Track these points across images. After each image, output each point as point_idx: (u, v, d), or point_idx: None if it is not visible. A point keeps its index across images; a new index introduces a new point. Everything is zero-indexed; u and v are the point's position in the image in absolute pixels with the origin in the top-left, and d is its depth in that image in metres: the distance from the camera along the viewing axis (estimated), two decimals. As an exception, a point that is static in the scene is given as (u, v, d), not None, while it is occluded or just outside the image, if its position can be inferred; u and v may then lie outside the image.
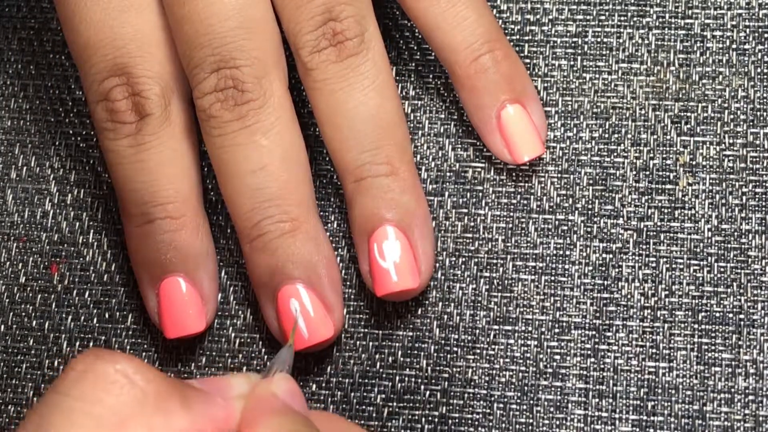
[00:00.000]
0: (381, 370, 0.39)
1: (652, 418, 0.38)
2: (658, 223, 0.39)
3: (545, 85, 0.41)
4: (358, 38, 0.38)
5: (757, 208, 0.39)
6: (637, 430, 0.37)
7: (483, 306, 0.39)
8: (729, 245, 0.39)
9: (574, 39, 0.42)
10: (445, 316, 0.39)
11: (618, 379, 0.38)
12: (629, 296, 0.39)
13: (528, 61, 0.42)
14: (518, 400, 0.38)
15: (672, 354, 0.38)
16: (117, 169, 0.39)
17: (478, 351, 0.39)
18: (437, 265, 0.40)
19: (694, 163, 0.40)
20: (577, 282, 0.39)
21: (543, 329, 0.39)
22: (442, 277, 0.40)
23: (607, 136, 0.41)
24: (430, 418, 0.38)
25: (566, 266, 0.39)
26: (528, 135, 0.39)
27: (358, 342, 0.39)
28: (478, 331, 0.39)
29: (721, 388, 0.38)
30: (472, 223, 0.40)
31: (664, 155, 0.40)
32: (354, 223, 0.38)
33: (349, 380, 0.39)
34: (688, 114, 0.41)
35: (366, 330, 0.40)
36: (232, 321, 0.40)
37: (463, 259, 0.40)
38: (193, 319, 0.39)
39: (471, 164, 0.41)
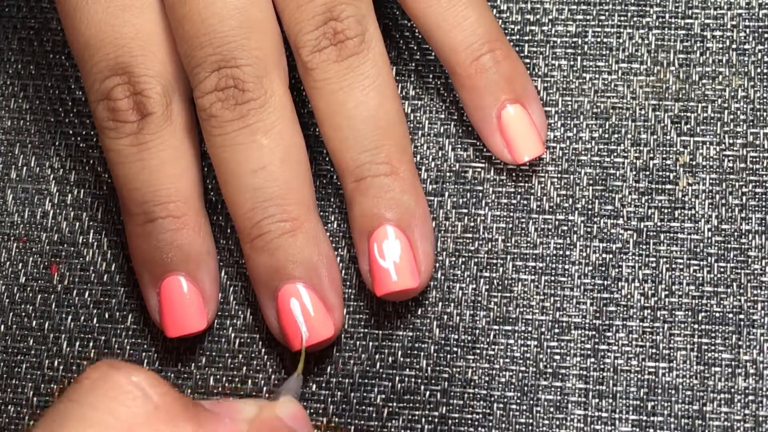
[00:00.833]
0: (381, 370, 0.39)
1: (652, 418, 0.38)
2: (658, 224, 0.39)
3: (545, 85, 0.41)
4: (359, 38, 0.38)
5: (757, 208, 0.39)
6: (637, 430, 0.37)
7: (483, 306, 0.39)
8: (729, 245, 0.39)
9: (574, 39, 0.42)
10: (445, 316, 0.39)
11: (618, 379, 0.38)
12: (629, 296, 0.39)
13: (528, 61, 0.42)
14: (518, 401, 0.38)
15: (672, 354, 0.38)
16: (118, 169, 0.39)
17: (478, 351, 0.39)
18: (437, 265, 0.40)
19: (694, 163, 0.40)
20: (577, 282, 0.39)
21: (543, 329, 0.39)
22: (442, 277, 0.40)
23: (607, 136, 0.41)
24: (430, 419, 0.38)
25: (566, 266, 0.39)
26: (528, 135, 0.39)
27: (358, 342, 0.39)
28: (478, 331, 0.39)
29: (721, 388, 0.38)
30: (472, 223, 0.40)
31: (664, 155, 0.40)
32: (354, 222, 0.38)
33: (349, 380, 0.39)
34: (688, 114, 0.41)
35: (366, 330, 0.40)
36: (232, 321, 0.40)
37: (463, 259, 0.40)
38: (194, 318, 0.39)
39: (471, 164, 0.41)
